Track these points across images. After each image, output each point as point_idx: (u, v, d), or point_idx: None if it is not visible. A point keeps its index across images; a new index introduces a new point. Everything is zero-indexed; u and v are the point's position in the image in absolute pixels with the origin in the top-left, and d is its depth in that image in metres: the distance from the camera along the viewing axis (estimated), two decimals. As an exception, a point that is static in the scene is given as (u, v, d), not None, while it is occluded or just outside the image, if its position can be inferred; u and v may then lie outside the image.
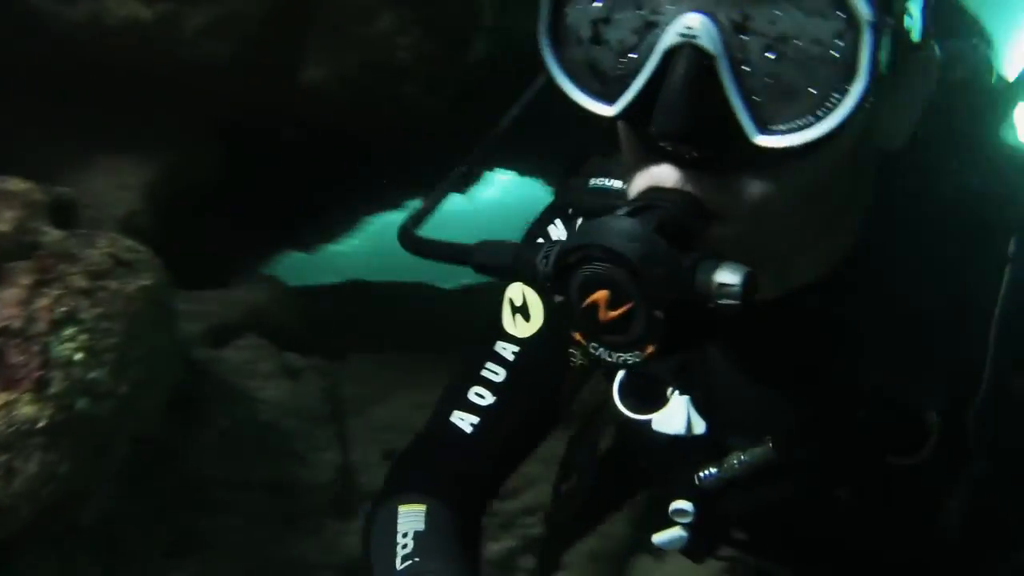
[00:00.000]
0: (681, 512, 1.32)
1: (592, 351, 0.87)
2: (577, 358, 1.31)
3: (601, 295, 0.82)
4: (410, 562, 1.14)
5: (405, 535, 1.19)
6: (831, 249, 1.01)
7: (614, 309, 0.82)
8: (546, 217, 1.27)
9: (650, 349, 0.83)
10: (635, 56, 0.87)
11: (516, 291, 1.28)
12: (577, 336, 0.87)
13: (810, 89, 0.82)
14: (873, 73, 0.78)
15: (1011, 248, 1.05)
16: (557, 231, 1.25)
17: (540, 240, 1.24)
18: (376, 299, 3.92)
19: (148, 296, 1.93)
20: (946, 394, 1.09)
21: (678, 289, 0.80)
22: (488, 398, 1.28)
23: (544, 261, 0.90)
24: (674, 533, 1.36)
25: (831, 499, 1.26)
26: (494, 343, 1.30)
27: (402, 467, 1.38)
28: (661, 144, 0.83)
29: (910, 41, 0.85)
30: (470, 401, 1.28)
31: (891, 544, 1.31)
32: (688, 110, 0.79)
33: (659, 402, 1.22)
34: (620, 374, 1.24)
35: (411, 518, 1.22)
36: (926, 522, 1.26)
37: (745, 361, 1.13)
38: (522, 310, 1.28)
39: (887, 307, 1.09)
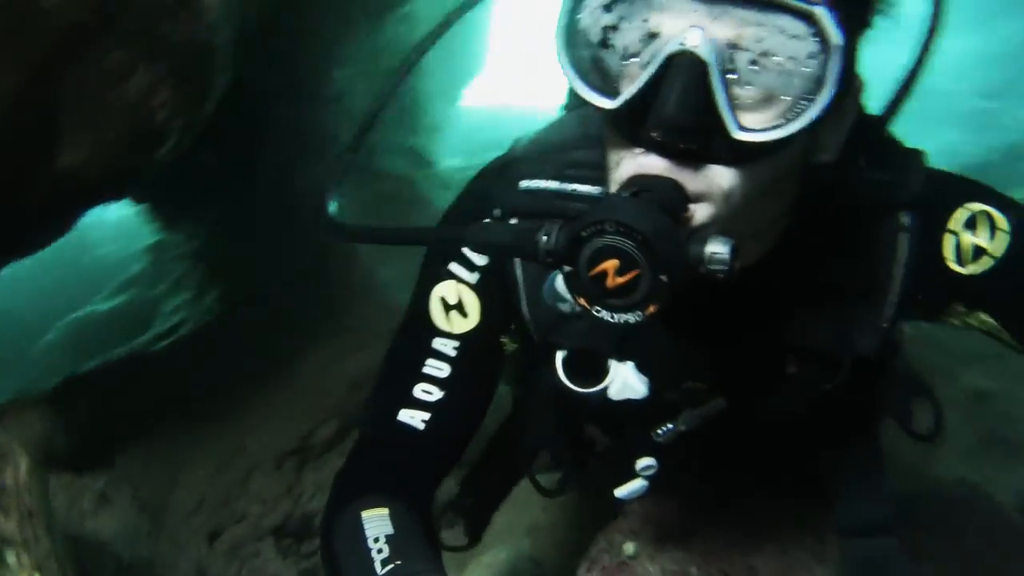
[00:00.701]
0: (647, 467, 1.46)
1: (595, 313, 0.96)
2: (508, 345, 1.38)
3: (611, 264, 0.91)
4: (392, 566, 1.13)
5: (377, 540, 1.17)
6: (773, 234, 1.16)
7: (622, 276, 0.91)
8: (476, 209, 1.27)
9: (651, 308, 0.93)
10: (637, 60, 0.98)
11: (449, 291, 1.30)
12: (581, 300, 0.96)
13: (784, 97, 0.95)
14: (838, 87, 0.91)
15: (904, 220, 1.22)
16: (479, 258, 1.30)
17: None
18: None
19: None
20: (855, 343, 1.25)
21: (679, 258, 0.92)
22: (436, 393, 1.29)
23: (546, 238, 1.00)
24: (635, 485, 1.49)
25: (761, 429, 1.42)
26: (431, 341, 1.31)
27: (353, 474, 1.34)
28: (653, 135, 0.92)
29: (854, 69, 1.00)
30: (417, 398, 1.28)
31: (785, 451, 1.55)
32: (682, 106, 0.89)
33: (601, 375, 1.30)
34: (560, 357, 1.31)
35: (377, 523, 1.20)
36: (809, 436, 1.48)
37: (691, 327, 1.18)
38: (458, 307, 1.30)
39: (811, 278, 1.23)
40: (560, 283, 1.20)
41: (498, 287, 1.30)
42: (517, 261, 1.29)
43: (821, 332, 1.25)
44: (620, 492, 1.49)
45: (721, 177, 0.97)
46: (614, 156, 1.03)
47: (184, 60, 2.15)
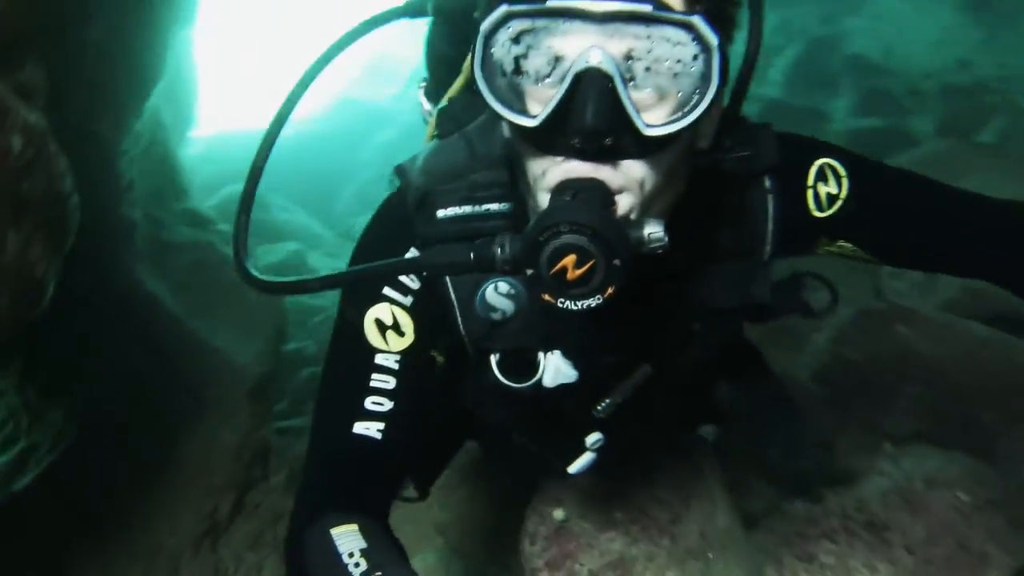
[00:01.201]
0: (596, 441, 1.59)
1: (560, 305, 1.05)
2: (437, 356, 1.43)
3: (569, 259, 1.01)
4: None
5: (352, 555, 1.18)
6: (669, 213, 1.24)
7: (580, 268, 1.01)
8: (392, 245, 1.36)
9: (610, 290, 1.03)
10: (548, 81, 1.08)
11: (384, 313, 1.35)
12: (547, 296, 1.06)
13: (679, 94, 1.07)
14: (721, 81, 1.04)
15: (767, 184, 1.37)
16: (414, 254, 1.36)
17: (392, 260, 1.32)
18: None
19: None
20: (750, 294, 1.40)
21: (625, 243, 1.03)
22: (387, 404, 1.32)
23: (500, 250, 1.10)
24: (586, 459, 1.62)
25: (678, 384, 1.59)
26: (373, 357, 1.34)
27: (314, 493, 1.34)
28: (574, 143, 1.04)
29: (728, 65, 1.08)
30: (370, 410, 1.31)
31: (695, 394, 1.81)
32: (596, 113, 1.00)
33: (533, 370, 1.40)
34: (494, 360, 1.40)
35: (349, 538, 1.22)
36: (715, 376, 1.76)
37: (606, 307, 1.19)
38: (394, 327, 1.35)
39: (702, 247, 1.36)
40: (491, 295, 1.33)
41: (430, 307, 1.38)
42: (449, 283, 1.37)
43: (718, 292, 1.42)
44: (573, 468, 1.64)
45: (635, 170, 1.09)
46: (536, 168, 1.13)
47: (47, 211, 2.27)
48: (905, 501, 2.26)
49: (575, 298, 1.05)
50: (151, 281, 4.45)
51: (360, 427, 1.30)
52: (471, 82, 1.19)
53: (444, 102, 1.58)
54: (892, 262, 1.54)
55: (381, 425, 1.31)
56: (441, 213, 1.33)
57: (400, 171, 1.40)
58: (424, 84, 1.94)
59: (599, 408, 1.49)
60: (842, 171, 1.42)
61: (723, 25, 1.09)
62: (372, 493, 1.33)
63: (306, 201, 8.89)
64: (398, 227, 1.37)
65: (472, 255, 1.15)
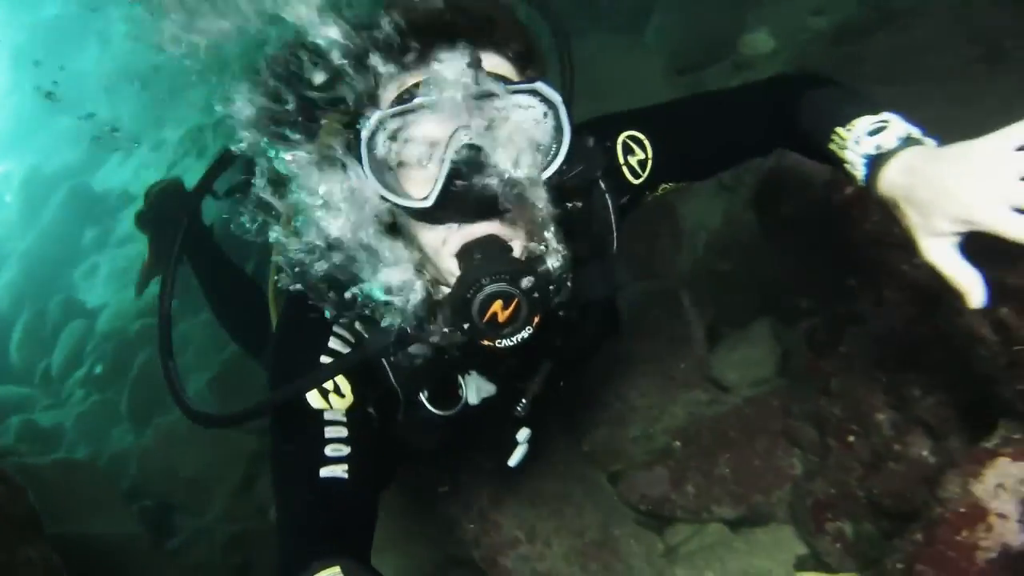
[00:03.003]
0: (527, 436, 1.76)
1: (499, 345, 1.22)
2: (372, 412, 1.49)
3: (497, 305, 1.17)
4: None
5: None
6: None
7: (507, 308, 1.17)
8: (312, 320, 1.42)
9: (536, 319, 1.21)
10: (430, 164, 1.24)
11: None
12: (485, 342, 1.22)
13: (541, 145, 1.25)
14: (572, 128, 1.24)
15: (601, 183, 1.55)
16: (340, 344, 1.43)
17: (325, 357, 1.40)
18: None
19: None
20: (618, 281, 1.60)
21: (537, 276, 1.20)
22: (344, 449, 1.35)
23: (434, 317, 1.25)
24: (521, 451, 1.78)
25: (571, 367, 1.74)
26: (322, 415, 1.37)
27: (292, 546, 1.31)
28: (466, 210, 1.20)
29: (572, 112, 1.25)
30: (331, 456, 1.34)
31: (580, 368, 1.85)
32: (480, 180, 1.16)
33: (457, 397, 1.54)
34: (424, 396, 1.51)
35: None
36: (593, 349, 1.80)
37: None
38: (336, 391, 1.40)
39: (573, 252, 1.43)
40: (413, 347, 1.40)
41: (365, 366, 1.45)
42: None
43: (594, 286, 1.58)
44: (512, 461, 1.79)
45: (518, 218, 1.26)
46: (433, 238, 1.27)
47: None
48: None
49: (510, 336, 1.22)
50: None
51: (326, 472, 1.32)
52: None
53: None
54: (699, 178, 1.76)
55: (345, 466, 1.33)
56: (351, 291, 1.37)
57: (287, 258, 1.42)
58: None
59: (519, 409, 1.65)
60: (641, 136, 1.62)
61: (537, 61, 1.30)
62: (347, 532, 1.31)
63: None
64: (312, 317, 1.43)
65: (410, 330, 1.30)
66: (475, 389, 1.58)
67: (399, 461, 1.92)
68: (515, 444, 1.77)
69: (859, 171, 1.35)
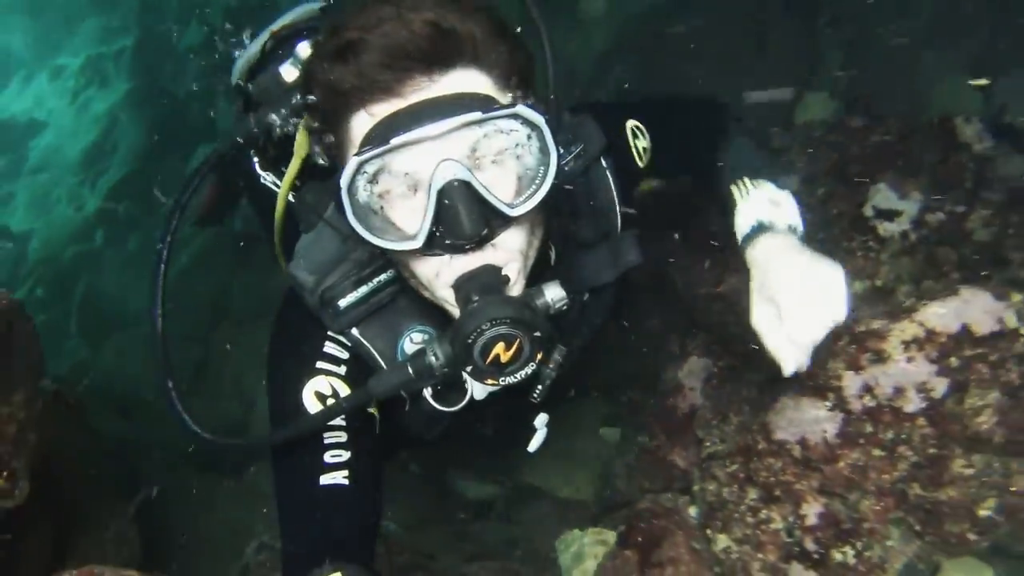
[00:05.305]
0: (545, 420, 1.74)
1: (502, 382, 1.17)
2: (374, 412, 1.47)
3: (499, 348, 1.12)
4: None
5: None
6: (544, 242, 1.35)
7: (509, 350, 1.12)
8: (308, 343, 1.42)
9: (539, 355, 1.16)
10: (416, 200, 1.14)
11: (322, 385, 1.39)
12: (488, 381, 1.18)
13: (528, 171, 1.17)
14: (557, 149, 1.15)
15: (603, 163, 1.54)
16: (337, 349, 1.42)
17: (322, 362, 1.40)
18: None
19: None
20: (625, 262, 1.57)
21: (538, 317, 1.16)
22: (344, 454, 1.34)
23: (435, 358, 1.20)
24: (540, 436, 1.74)
25: (586, 345, 1.71)
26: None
27: (296, 555, 1.29)
28: (458, 244, 1.12)
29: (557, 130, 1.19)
30: (331, 463, 1.32)
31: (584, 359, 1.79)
32: (468, 214, 1.09)
33: (463, 391, 1.49)
34: (428, 394, 1.47)
35: None
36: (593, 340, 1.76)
37: None
38: (334, 395, 1.38)
39: (575, 240, 1.51)
40: (410, 348, 1.41)
41: (361, 371, 1.42)
42: (371, 348, 1.41)
43: (600, 270, 1.55)
44: (532, 446, 1.75)
45: (510, 241, 1.18)
46: (427, 270, 1.20)
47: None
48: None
49: (513, 373, 1.17)
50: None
51: (327, 479, 1.30)
52: (311, 166, 1.29)
53: (289, 197, 1.57)
54: (667, 176, 1.91)
55: (345, 472, 1.31)
56: (343, 303, 1.38)
57: (292, 275, 1.41)
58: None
59: (535, 396, 1.57)
60: (642, 126, 1.64)
61: (524, 71, 1.18)
62: (351, 538, 1.30)
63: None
64: (308, 324, 1.43)
65: (412, 371, 1.23)
66: (481, 385, 1.49)
67: (402, 446, 2.01)
68: (533, 430, 1.75)
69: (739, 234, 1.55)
